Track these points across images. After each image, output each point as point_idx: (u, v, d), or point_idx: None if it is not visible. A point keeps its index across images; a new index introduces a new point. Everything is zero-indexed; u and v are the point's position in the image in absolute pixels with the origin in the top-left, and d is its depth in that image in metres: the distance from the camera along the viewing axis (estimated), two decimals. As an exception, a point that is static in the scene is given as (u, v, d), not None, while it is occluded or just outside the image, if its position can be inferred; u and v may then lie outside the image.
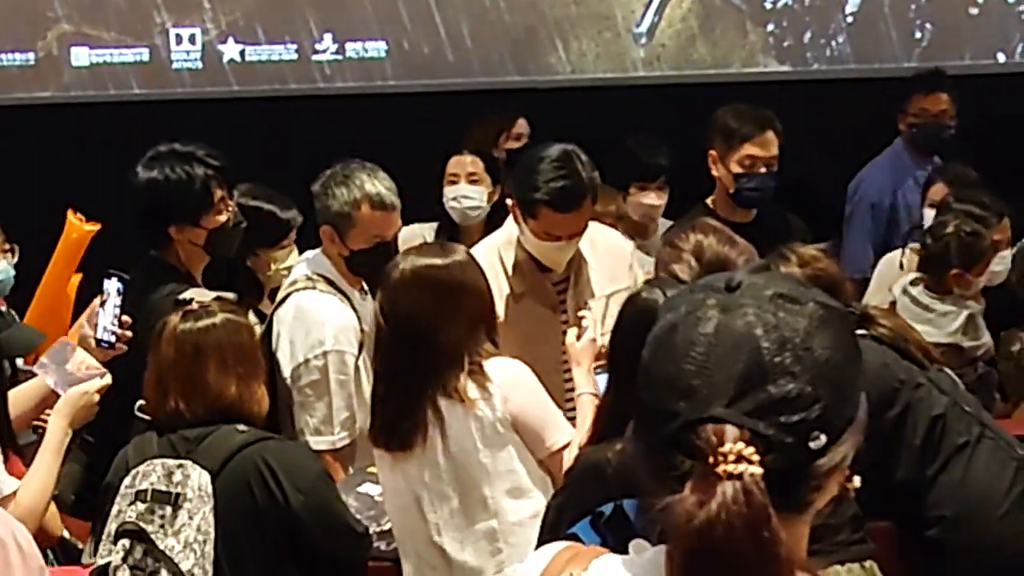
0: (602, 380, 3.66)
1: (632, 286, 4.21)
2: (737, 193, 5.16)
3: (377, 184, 4.29)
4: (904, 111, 6.28)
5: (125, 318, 4.01)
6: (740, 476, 1.47)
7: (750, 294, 1.57)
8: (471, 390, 3.62)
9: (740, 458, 1.49)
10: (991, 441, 3.98)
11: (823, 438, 1.52)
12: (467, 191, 5.65)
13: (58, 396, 3.85)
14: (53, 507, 3.77)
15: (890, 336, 3.88)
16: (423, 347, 3.64)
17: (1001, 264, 5.01)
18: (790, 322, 1.55)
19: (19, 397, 3.94)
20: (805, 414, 1.52)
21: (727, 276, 1.61)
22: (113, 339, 3.99)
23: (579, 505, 3.17)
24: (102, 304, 4.05)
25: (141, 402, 3.83)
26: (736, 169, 5.13)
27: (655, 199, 5.78)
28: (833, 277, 4.04)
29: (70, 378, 3.86)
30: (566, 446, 3.68)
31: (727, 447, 1.49)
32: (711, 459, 1.48)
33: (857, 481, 1.57)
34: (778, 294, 1.57)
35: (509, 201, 4.35)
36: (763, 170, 5.12)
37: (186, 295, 4.02)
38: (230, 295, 4.11)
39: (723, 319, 1.55)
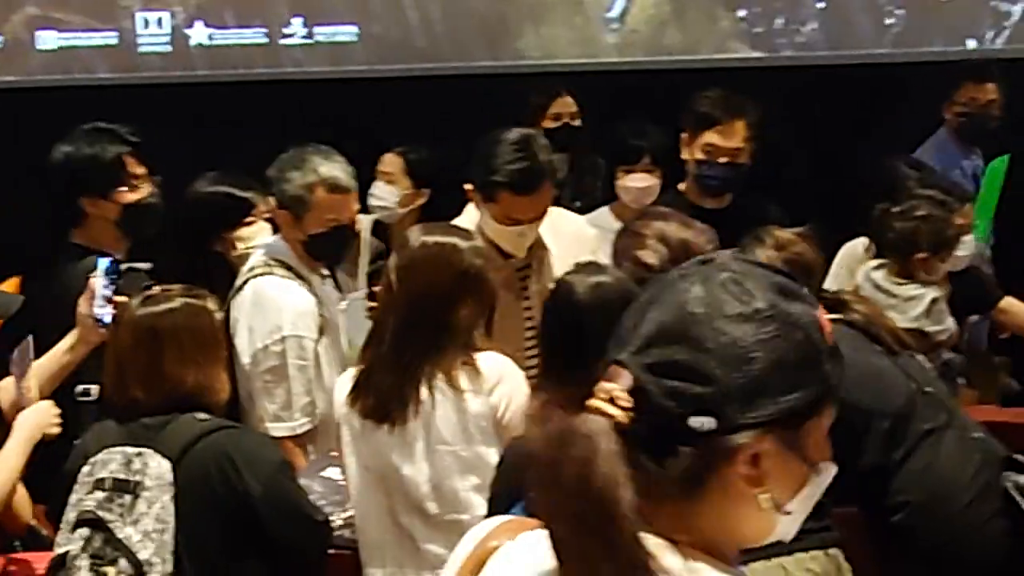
0: None
1: None
2: (697, 180, 5.10)
3: (332, 167, 4.26)
4: (952, 99, 6.27)
5: (118, 297, 4.00)
6: (600, 413, 1.49)
7: (712, 268, 1.58)
8: (463, 380, 3.58)
9: (611, 399, 1.50)
10: (958, 429, 3.98)
11: (709, 422, 1.50)
12: (377, 190, 5.65)
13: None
14: (23, 493, 3.76)
15: (862, 322, 3.88)
16: (431, 325, 3.58)
17: (964, 249, 5.01)
18: (728, 306, 1.54)
19: (40, 369, 3.94)
20: (695, 388, 1.51)
21: (716, 253, 1.64)
22: (108, 318, 3.97)
23: (513, 491, 3.19)
24: (96, 284, 4.04)
25: (83, 387, 3.83)
26: (698, 155, 5.06)
27: (641, 181, 5.67)
28: (809, 261, 4.05)
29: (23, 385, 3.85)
30: None
31: (605, 385, 1.51)
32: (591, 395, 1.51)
33: (791, 506, 1.55)
34: (734, 279, 1.57)
35: (468, 186, 4.32)
36: (723, 160, 5.02)
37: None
38: (144, 265, 4.12)
39: (676, 282, 1.58)
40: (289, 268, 4.31)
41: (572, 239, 4.45)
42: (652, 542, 1.48)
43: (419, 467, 3.61)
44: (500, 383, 3.60)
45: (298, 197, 4.25)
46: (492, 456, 3.57)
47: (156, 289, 3.70)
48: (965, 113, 6.26)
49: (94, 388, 4.04)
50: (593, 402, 1.51)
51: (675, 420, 1.51)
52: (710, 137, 5.03)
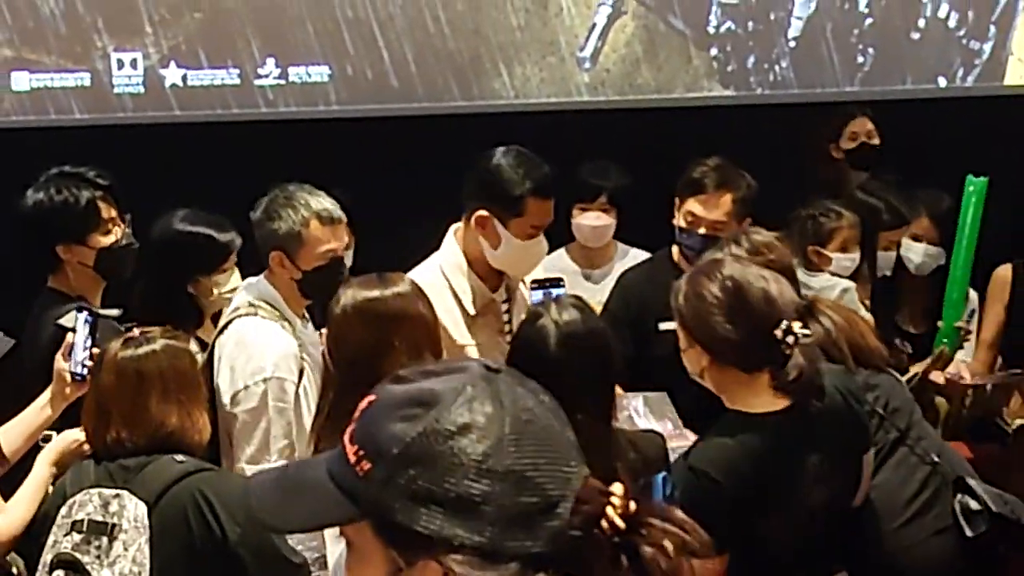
0: None
1: None
2: (679, 246, 5.00)
3: (322, 200, 4.30)
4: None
5: (96, 350, 3.98)
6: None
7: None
8: None
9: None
10: (905, 448, 4.00)
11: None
12: None
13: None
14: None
15: (821, 336, 3.82)
16: (364, 384, 3.60)
17: (913, 253, 5.68)
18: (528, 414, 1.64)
19: (10, 433, 3.93)
20: (378, 466, 1.59)
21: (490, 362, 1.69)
22: (85, 372, 3.96)
23: None
24: (74, 338, 4.03)
25: (46, 433, 3.85)
26: (679, 222, 4.93)
27: (596, 220, 5.70)
28: (785, 265, 4.07)
29: None
30: None
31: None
32: None
33: None
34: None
35: (482, 213, 4.31)
36: (702, 231, 4.86)
37: (64, 320, 4.06)
38: (113, 312, 4.14)
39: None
40: (274, 309, 4.30)
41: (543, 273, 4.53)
42: None
43: None
44: None
45: (293, 234, 4.25)
46: None
47: (135, 332, 3.70)
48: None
49: (54, 434, 4.04)
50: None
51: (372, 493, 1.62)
52: (692, 205, 4.89)
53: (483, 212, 4.31)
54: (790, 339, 3.46)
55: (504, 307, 4.44)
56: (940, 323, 5.64)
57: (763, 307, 3.46)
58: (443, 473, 1.56)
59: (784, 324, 3.45)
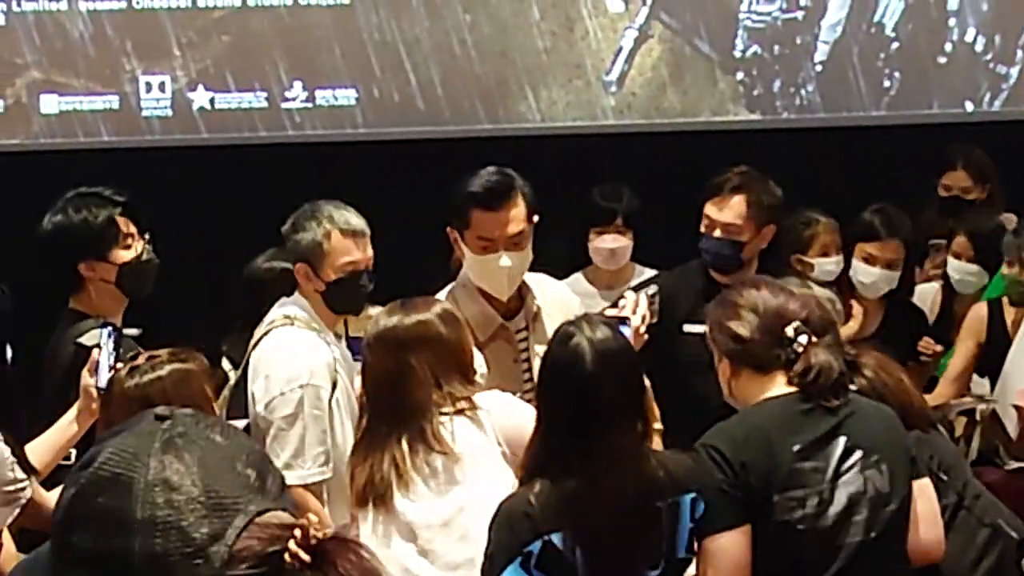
0: None
1: None
2: (700, 251, 4.99)
3: (345, 213, 4.33)
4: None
5: (120, 365, 4.00)
6: None
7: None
8: (459, 429, 3.73)
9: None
10: (964, 511, 3.93)
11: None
12: None
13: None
14: (11, 550, 3.80)
15: (866, 390, 3.77)
16: (389, 406, 3.75)
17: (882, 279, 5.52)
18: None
19: (39, 449, 3.96)
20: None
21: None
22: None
23: (508, 549, 3.25)
24: (99, 354, 4.06)
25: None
26: (701, 227, 4.95)
27: (612, 242, 5.74)
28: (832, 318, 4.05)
29: None
30: None
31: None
32: None
33: None
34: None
35: (449, 230, 4.37)
36: (718, 233, 4.86)
37: (84, 338, 4.09)
38: (134, 331, 4.17)
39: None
40: (310, 320, 4.32)
41: (558, 306, 4.45)
42: None
43: (430, 537, 3.73)
44: (500, 414, 3.80)
45: (315, 245, 4.28)
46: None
47: (141, 359, 3.70)
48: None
49: (73, 452, 4.10)
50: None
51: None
52: (708, 208, 4.91)
53: (450, 228, 4.36)
54: (802, 338, 3.50)
55: (521, 334, 4.40)
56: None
57: (774, 307, 3.55)
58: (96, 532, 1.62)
59: (796, 324, 3.50)
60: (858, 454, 3.49)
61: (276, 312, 4.38)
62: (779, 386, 3.54)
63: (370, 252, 4.37)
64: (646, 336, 4.08)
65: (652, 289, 4.26)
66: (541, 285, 4.48)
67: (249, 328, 4.60)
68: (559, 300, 4.52)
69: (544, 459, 3.35)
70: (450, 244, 4.46)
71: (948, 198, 6.31)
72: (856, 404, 3.57)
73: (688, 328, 4.70)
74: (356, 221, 4.33)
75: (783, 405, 3.51)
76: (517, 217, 4.30)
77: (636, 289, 4.43)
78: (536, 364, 4.21)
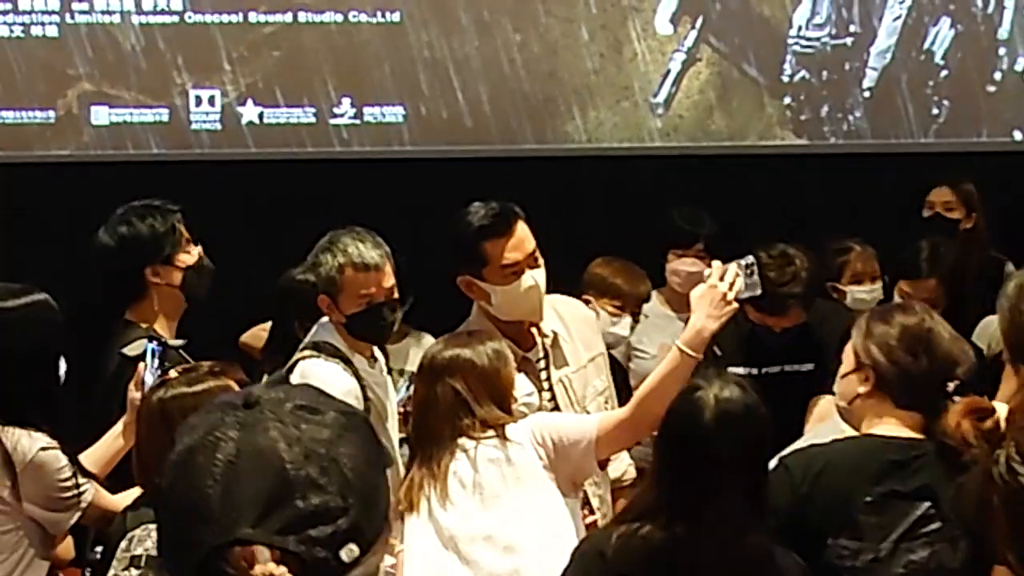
0: None
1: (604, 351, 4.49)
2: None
3: (360, 246, 4.28)
4: None
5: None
6: None
7: (269, 409, 1.57)
8: (494, 452, 3.84)
9: None
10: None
11: (356, 548, 1.51)
12: None
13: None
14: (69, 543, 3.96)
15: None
16: (424, 434, 3.95)
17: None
18: (314, 433, 1.55)
19: (86, 461, 4.01)
20: (336, 526, 1.51)
21: (246, 393, 1.62)
22: None
23: None
24: (145, 369, 4.10)
25: None
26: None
27: (692, 266, 5.64)
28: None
29: None
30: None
31: (257, 570, 1.48)
32: None
33: None
34: (299, 406, 1.58)
35: (460, 279, 4.30)
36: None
37: (127, 348, 4.14)
38: (179, 342, 4.23)
39: (243, 437, 1.54)
40: (336, 351, 4.31)
41: (578, 322, 4.44)
42: None
43: (481, 536, 3.81)
44: (533, 423, 3.92)
45: (331, 279, 4.28)
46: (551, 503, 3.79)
47: (172, 373, 3.72)
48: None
49: None
50: None
51: (332, 562, 1.51)
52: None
53: (461, 277, 4.30)
54: (957, 398, 3.34)
55: (541, 363, 4.39)
56: None
57: (946, 354, 3.42)
58: None
59: (958, 381, 3.38)
60: (936, 524, 3.36)
61: (308, 339, 4.40)
62: (894, 424, 3.42)
63: (388, 283, 4.31)
64: (736, 305, 3.96)
65: (748, 259, 4.02)
66: (555, 304, 4.44)
67: (281, 339, 4.67)
68: (578, 315, 4.50)
69: (643, 504, 3.30)
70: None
71: (929, 218, 6.18)
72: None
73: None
74: (371, 254, 4.27)
75: (880, 449, 3.39)
76: (528, 234, 4.28)
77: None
78: (559, 392, 4.25)
